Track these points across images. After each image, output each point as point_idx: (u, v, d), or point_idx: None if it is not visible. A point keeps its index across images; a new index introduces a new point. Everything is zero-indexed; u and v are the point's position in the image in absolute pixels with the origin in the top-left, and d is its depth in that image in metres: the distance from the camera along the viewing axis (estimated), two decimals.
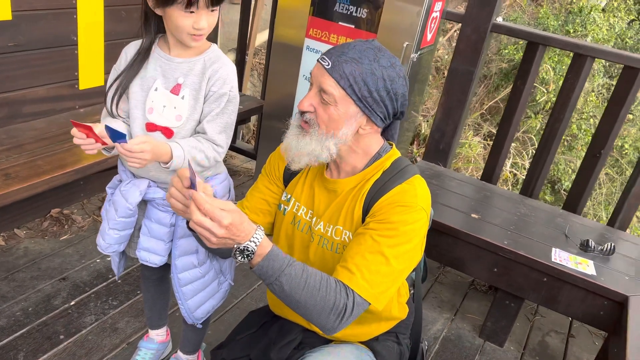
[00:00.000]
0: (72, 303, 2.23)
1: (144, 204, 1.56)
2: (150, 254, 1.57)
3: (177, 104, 1.42)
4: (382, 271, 1.16)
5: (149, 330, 2.01)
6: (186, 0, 1.27)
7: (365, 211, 1.25)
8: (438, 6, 2.58)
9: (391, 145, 1.36)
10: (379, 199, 1.23)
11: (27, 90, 2.47)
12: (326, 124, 1.20)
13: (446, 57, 6.16)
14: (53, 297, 2.24)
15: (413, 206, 1.20)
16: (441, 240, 2.35)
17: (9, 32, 2.28)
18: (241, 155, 3.76)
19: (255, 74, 5.07)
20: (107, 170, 2.41)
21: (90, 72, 2.63)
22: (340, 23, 2.59)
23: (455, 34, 6.23)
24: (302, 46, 2.74)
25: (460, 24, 2.78)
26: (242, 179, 3.53)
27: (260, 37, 4.50)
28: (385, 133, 1.35)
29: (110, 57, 2.74)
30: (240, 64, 3.64)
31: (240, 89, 3.67)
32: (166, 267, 1.84)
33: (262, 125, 3.19)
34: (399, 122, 1.34)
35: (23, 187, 2.04)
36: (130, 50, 1.47)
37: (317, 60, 1.21)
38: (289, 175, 1.41)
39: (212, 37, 3.42)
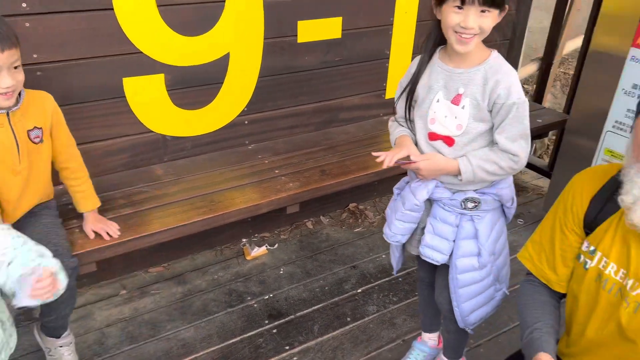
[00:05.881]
0: (359, 290, 2.48)
1: (429, 203, 1.62)
2: (434, 251, 1.62)
3: (457, 113, 1.45)
4: None
5: (422, 333, 2.09)
6: None
7: None
8: None
9: None
10: None
11: (344, 98, 2.84)
12: None
13: None
14: (344, 281, 2.53)
15: None
16: None
17: (337, 48, 2.66)
18: (532, 171, 3.53)
19: (557, 85, 4.68)
20: (400, 175, 2.59)
21: (396, 83, 2.90)
22: None
23: None
24: (625, 56, 2.40)
25: None
26: (530, 196, 3.32)
27: (570, 45, 4.13)
28: None
29: None
30: (544, 74, 3.42)
31: (540, 101, 3.46)
32: (445, 271, 1.88)
33: (562, 141, 2.93)
34: None
35: (334, 182, 2.37)
36: (413, 64, 1.57)
37: None
38: (591, 221, 1.24)
39: (517, 46, 3.30)
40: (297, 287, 2.48)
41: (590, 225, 1.24)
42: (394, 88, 2.95)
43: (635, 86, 2.41)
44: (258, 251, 2.66)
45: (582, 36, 2.99)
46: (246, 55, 2.41)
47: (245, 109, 2.53)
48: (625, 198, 1.10)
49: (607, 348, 1.23)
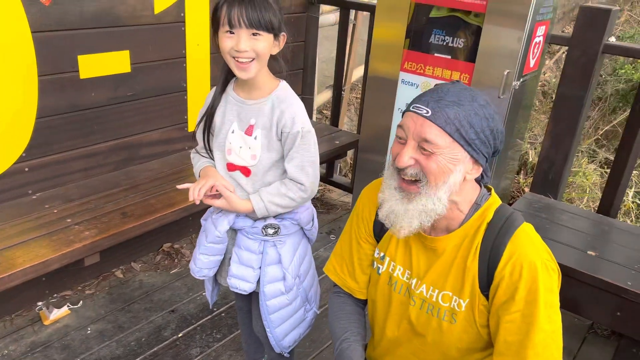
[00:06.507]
0: (180, 335, 2.34)
1: (234, 233, 1.61)
2: (240, 280, 1.60)
3: (251, 144, 1.48)
4: (553, 344, 1.12)
5: None
6: (226, 20, 1.32)
7: (485, 282, 1.17)
8: (541, 30, 2.44)
9: (489, 189, 1.26)
10: (496, 267, 1.15)
11: (143, 134, 2.70)
12: (435, 175, 1.12)
13: (554, 80, 5.81)
14: (163, 328, 2.37)
15: (541, 262, 1.12)
16: None
17: (127, 83, 2.53)
18: (338, 189, 3.79)
19: (352, 109, 5.13)
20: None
21: (197, 115, 2.87)
22: (436, 55, 2.54)
23: (563, 56, 5.86)
24: (397, 79, 2.72)
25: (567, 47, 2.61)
26: (339, 212, 3.54)
27: (357, 73, 4.57)
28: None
29: None
30: (336, 100, 3.70)
31: (336, 124, 3.73)
32: (257, 299, 1.87)
33: (358, 158, 3.19)
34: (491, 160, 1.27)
35: (137, 224, 2.21)
36: (210, 94, 1.57)
37: (410, 111, 1.13)
38: (379, 230, 1.34)
39: (310, 74, 3.53)
40: (109, 345, 2.24)
41: (379, 233, 1.34)
42: (196, 120, 2.90)
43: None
44: (58, 313, 2.35)
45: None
46: (17, 94, 2.13)
47: (24, 155, 2.24)
48: (380, 195, 1.22)
49: (404, 346, 1.33)
